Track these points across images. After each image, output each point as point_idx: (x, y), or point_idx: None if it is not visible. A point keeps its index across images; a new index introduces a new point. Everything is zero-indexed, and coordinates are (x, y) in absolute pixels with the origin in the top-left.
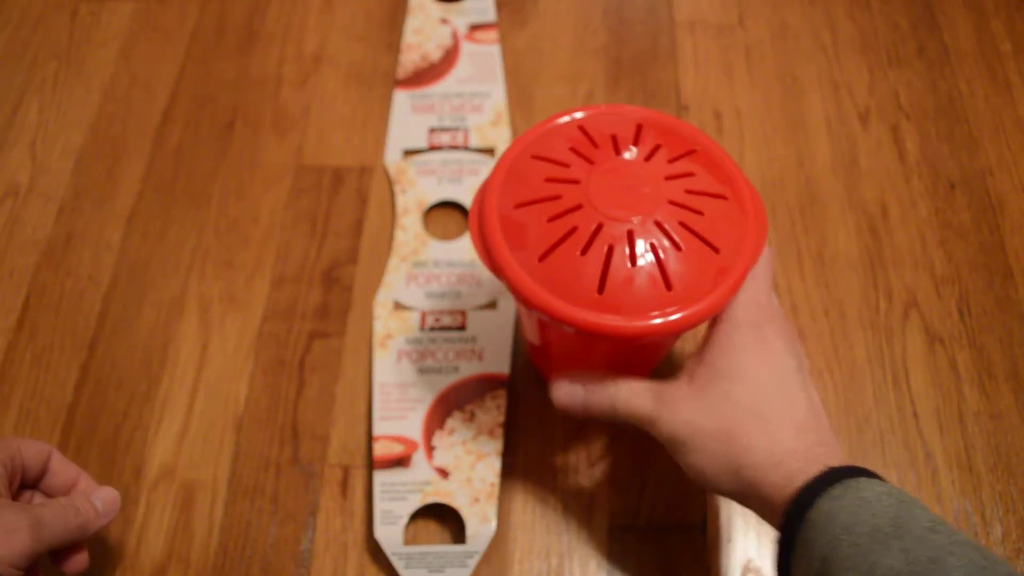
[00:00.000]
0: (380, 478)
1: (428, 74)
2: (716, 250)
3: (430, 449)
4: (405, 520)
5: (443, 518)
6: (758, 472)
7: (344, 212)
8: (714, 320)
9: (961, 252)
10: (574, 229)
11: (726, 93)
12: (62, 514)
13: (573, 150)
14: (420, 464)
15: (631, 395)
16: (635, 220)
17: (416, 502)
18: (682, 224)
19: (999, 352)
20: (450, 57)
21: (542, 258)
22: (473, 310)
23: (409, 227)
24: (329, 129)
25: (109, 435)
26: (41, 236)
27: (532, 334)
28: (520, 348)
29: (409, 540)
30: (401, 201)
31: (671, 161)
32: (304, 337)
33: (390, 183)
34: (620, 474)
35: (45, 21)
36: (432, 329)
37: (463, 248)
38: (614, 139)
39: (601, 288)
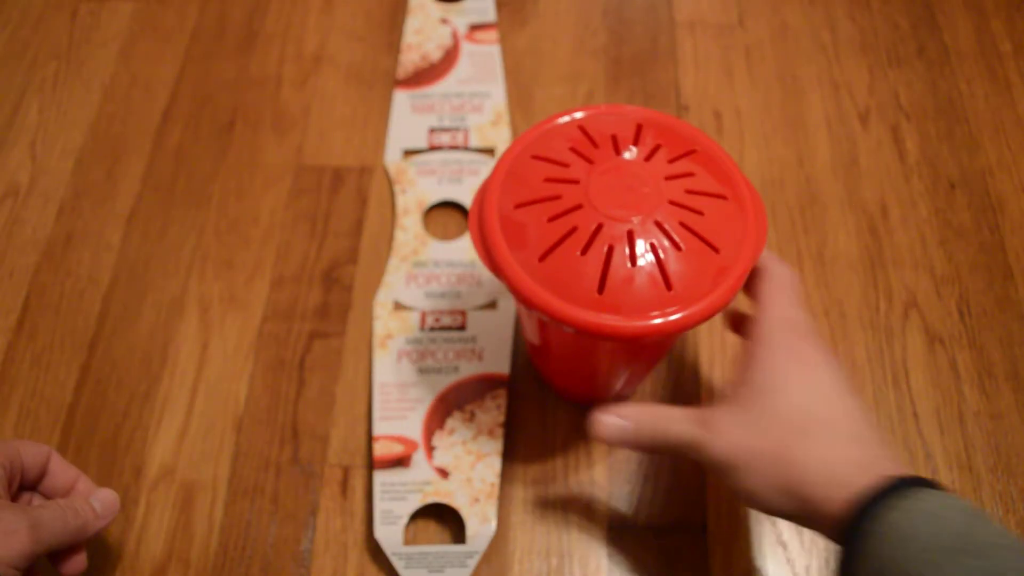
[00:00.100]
0: (380, 478)
1: (428, 74)
2: (716, 250)
3: (430, 449)
4: (405, 520)
5: (443, 518)
6: (813, 487)
7: (344, 212)
8: (748, 340)
9: (961, 252)
10: (574, 229)
11: (726, 93)
12: (61, 516)
13: (573, 150)
14: (420, 464)
15: (675, 423)
16: (635, 220)
17: (416, 502)
18: (682, 224)
19: (999, 352)
20: (450, 57)
21: (542, 258)
22: (473, 310)
23: (409, 227)
24: (329, 129)
25: (109, 435)
26: (41, 236)
27: (532, 334)
28: (520, 348)
29: (409, 540)
30: (401, 201)
31: (671, 161)
32: (304, 337)
33: (390, 183)
34: (620, 474)
35: (45, 21)
36: (432, 329)
37: (463, 248)
38: (614, 139)
39: (601, 288)
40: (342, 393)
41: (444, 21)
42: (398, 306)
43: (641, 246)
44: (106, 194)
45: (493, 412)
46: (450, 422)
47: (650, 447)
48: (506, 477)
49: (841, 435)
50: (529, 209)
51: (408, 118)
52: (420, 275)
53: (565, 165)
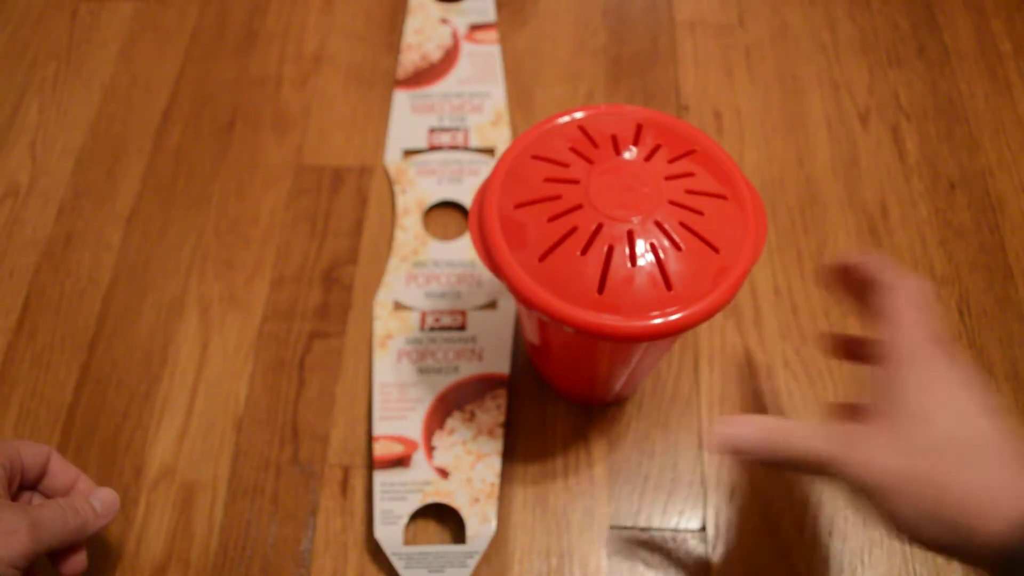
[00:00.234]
0: (380, 478)
1: (428, 74)
2: (716, 250)
3: (430, 449)
4: (405, 520)
5: (443, 518)
6: (971, 514)
7: (344, 212)
8: (884, 362)
9: (961, 252)
10: (574, 229)
11: (726, 93)
12: (61, 515)
13: (573, 150)
14: (420, 464)
15: (810, 438)
16: (635, 220)
17: (416, 502)
18: (682, 224)
19: (999, 352)
20: (450, 57)
21: (542, 258)
22: (473, 310)
23: (409, 227)
24: (329, 129)
25: (109, 435)
26: (41, 236)
27: (532, 334)
28: (520, 348)
29: (409, 540)
30: (401, 201)
31: (671, 161)
32: (304, 337)
33: (390, 183)
34: (620, 474)
35: (45, 21)
36: (432, 329)
37: (463, 248)
38: (614, 139)
39: (601, 288)
40: (342, 393)
41: (444, 21)
42: (398, 306)
43: (641, 246)
44: (106, 194)
45: (493, 412)
46: (450, 422)
47: (776, 461)
48: (506, 477)
49: (998, 459)
50: (529, 209)
51: (408, 118)
52: (420, 275)
53: (565, 165)
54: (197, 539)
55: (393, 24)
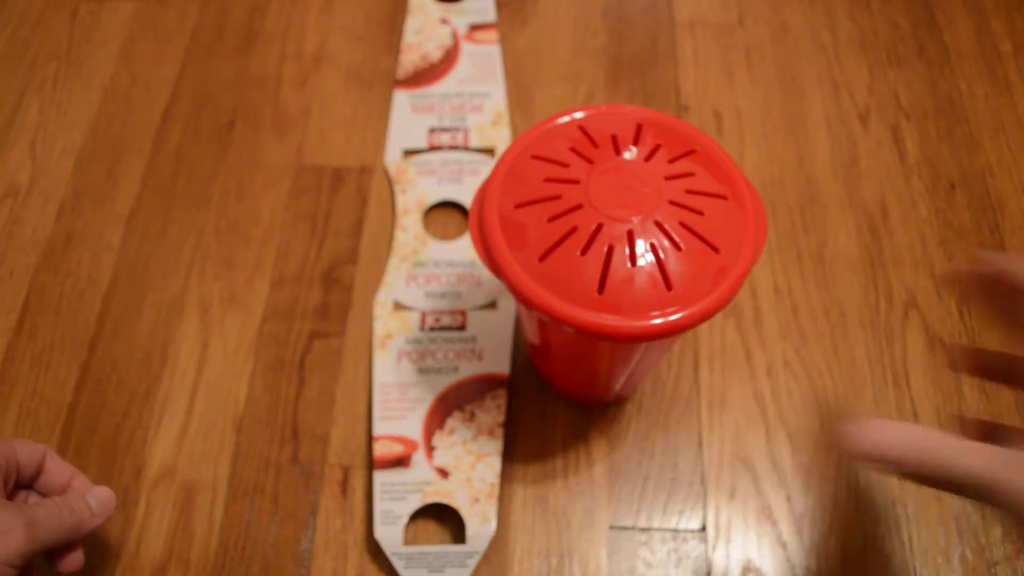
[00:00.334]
0: (380, 478)
1: (428, 74)
2: (716, 250)
3: (430, 449)
4: (405, 520)
5: (443, 518)
6: None
7: (344, 212)
8: None
9: (961, 252)
10: (574, 229)
11: (726, 93)
12: (57, 513)
13: (573, 150)
14: (420, 464)
15: (967, 456)
16: (635, 220)
17: (416, 502)
18: (682, 224)
19: None
20: (450, 57)
21: (542, 258)
22: (473, 310)
23: (409, 227)
24: (329, 129)
25: (109, 435)
26: (41, 236)
27: (532, 334)
28: (520, 348)
29: (409, 540)
30: (401, 201)
31: (671, 161)
32: (304, 337)
33: (390, 183)
34: (620, 474)
35: (45, 21)
36: (432, 329)
37: (463, 248)
38: (614, 139)
39: (601, 288)
40: (342, 393)
41: (444, 21)
42: (398, 306)
43: (641, 246)
44: (106, 194)
45: (493, 412)
46: (450, 422)
47: (924, 476)
48: (506, 477)
49: None
50: (529, 209)
51: (408, 118)
52: (420, 275)
53: (565, 165)
54: (197, 539)
55: (393, 24)
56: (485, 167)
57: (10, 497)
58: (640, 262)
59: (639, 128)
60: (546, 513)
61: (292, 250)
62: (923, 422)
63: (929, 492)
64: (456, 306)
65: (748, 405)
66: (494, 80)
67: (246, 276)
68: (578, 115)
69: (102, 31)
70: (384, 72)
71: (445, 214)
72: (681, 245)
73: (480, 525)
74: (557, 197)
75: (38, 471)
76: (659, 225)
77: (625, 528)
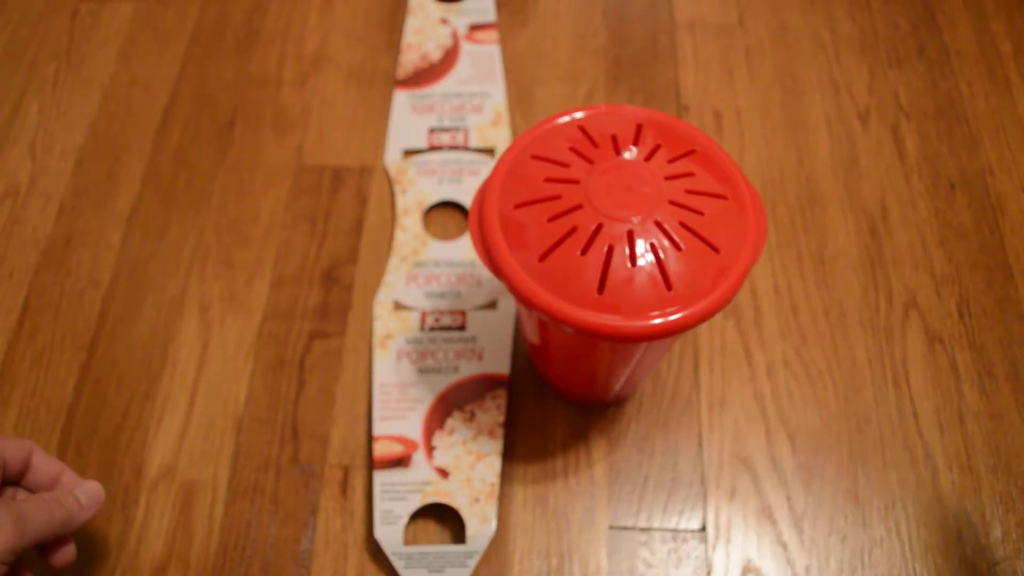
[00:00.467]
0: (380, 478)
1: (428, 74)
2: (716, 250)
3: (430, 449)
4: (405, 520)
5: (443, 518)
6: None
7: (344, 212)
8: None
9: (961, 252)
10: (574, 229)
11: (726, 93)
12: (45, 508)
13: (573, 150)
14: (420, 464)
15: None
16: (635, 220)
17: (416, 502)
18: (682, 224)
19: (999, 352)
20: (450, 57)
21: (542, 258)
22: (473, 310)
23: (409, 227)
24: (329, 129)
25: (109, 435)
26: (41, 236)
27: (532, 334)
28: (520, 348)
29: (409, 540)
30: (401, 201)
31: (671, 161)
32: (304, 337)
33: (390, 183)
34: (620, 474)
35: (45, 21)
36: (432, 329)
37: (463, 248)
38: (614, 139)
39: (601, 288)
40: (342, 393)
41: (444, 21)
42: (398, 306)
43: (641, 246)
44: (106, 194)
45: (493, 412)
46: (450, 422)
47: None
48: (506, 477)
49: None
50: (529, 209)
51: (408, 118)
52: (420, 275)
53: (565, 165)
54: (197, 539)
55: (393, 24)
56: (485, 167)
57: None
58: (640, 262)
59: (639, 128)
60: (546, 513)
61: (292, 250)
62: (923, 422)
63: (932, 495)
64: (456, 306)
65: (748, 405)
66: (494, 80)
67: (246, 276)
68: (578, 115)
69: (102, 31)
70: (384, 72)
71: (445, 214)
72: (681, 245)
73: (480, 525)
74: (557, 197)
75: (24, 467)
76: (659, 225)
77: (625, 528)
